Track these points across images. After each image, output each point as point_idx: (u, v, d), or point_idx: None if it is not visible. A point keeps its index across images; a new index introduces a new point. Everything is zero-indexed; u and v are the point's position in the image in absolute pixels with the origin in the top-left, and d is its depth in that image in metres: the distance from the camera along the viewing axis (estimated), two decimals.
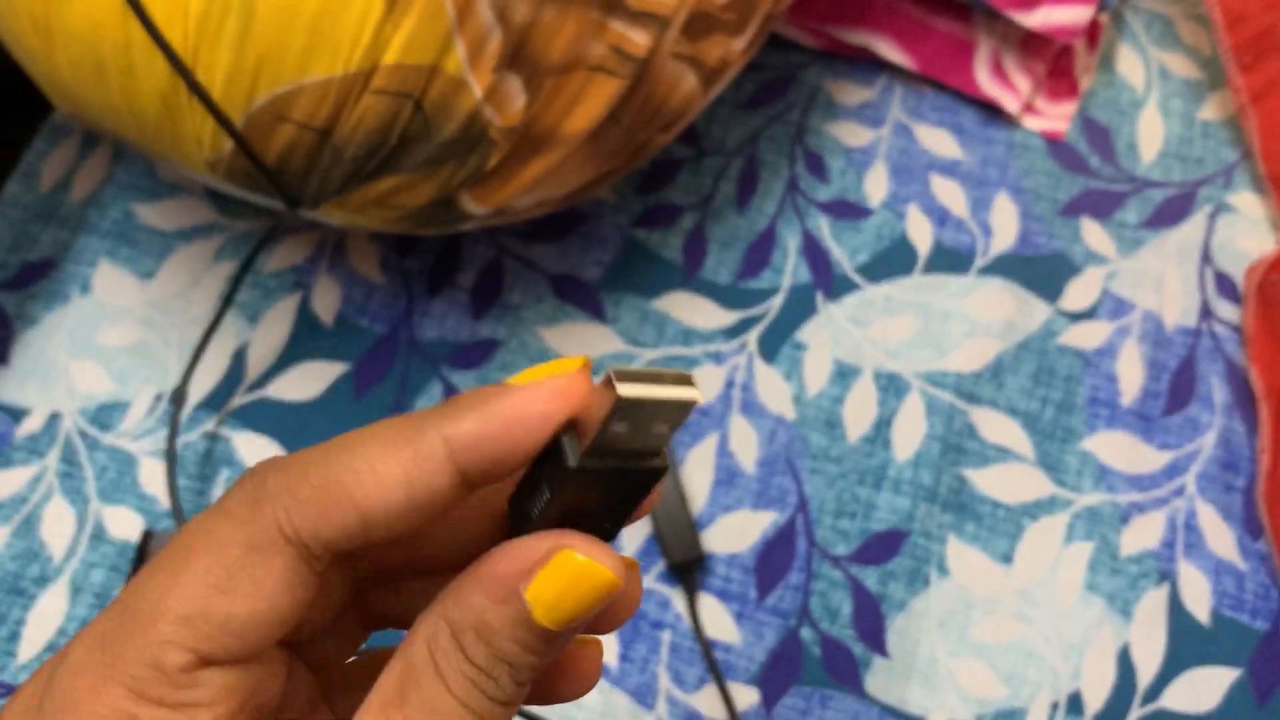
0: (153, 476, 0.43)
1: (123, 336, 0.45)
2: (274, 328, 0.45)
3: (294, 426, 0.44)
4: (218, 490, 0.43)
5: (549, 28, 0.33)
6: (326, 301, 0.46)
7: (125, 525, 0.42)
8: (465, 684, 0.18)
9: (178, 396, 0.41)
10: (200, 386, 0.44)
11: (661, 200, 0.48)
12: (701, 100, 0.40)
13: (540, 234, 0.47)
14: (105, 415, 0.44)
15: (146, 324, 0.45)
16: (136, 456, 0.43)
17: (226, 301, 0.41)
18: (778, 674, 0.41)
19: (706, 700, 0.40)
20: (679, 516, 0.41)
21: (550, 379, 0.18)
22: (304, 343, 0.45)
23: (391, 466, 0.18)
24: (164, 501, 0.42)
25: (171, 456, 0.40)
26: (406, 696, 0.18)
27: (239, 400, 0.44)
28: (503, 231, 0.47)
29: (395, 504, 0.18)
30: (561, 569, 0.18)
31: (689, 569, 0.41)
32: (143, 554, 0.40)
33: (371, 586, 0.23)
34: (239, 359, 0.45)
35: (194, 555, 0.18)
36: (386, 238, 0.46)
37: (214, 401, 0.44)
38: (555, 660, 0.21)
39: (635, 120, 0.38)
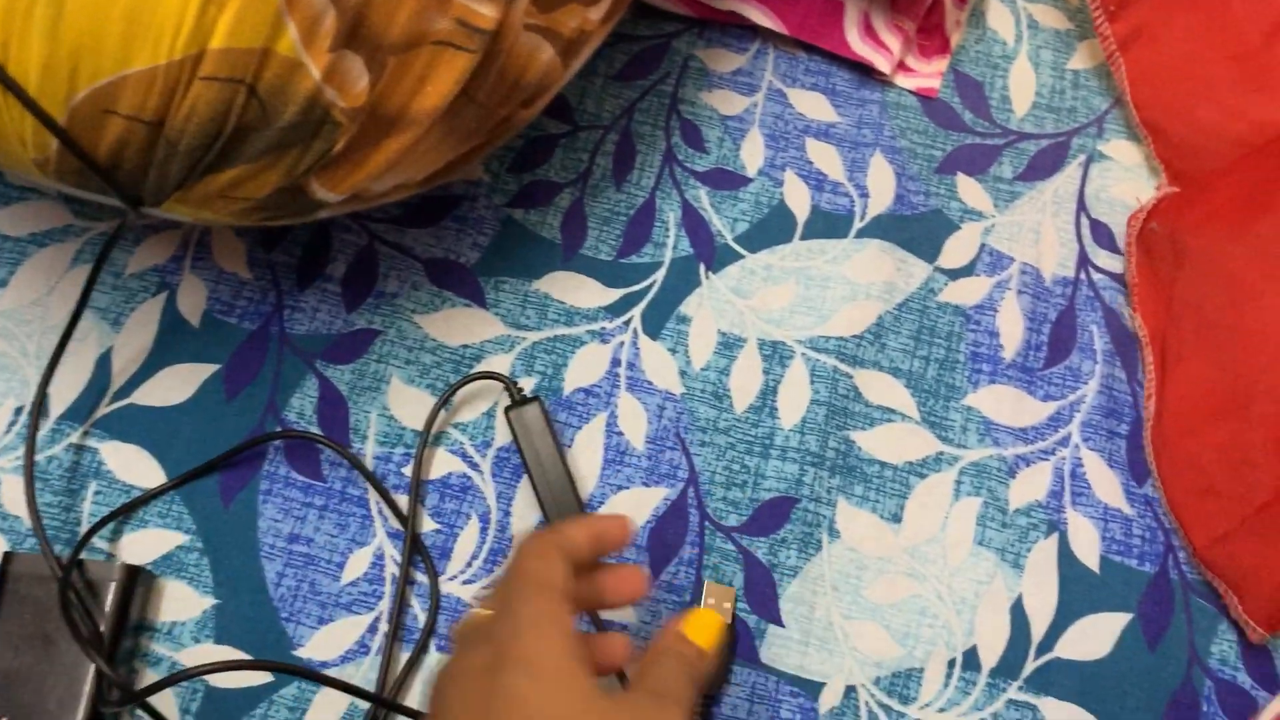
0: (14, 495, 0.41)
1: None
2: (138, 331, 0.43)
3: (164, 433, 0.42)
4: (86, 505, 0.41)
5: (387, 3, 0.32)
6: (192, 301, 0.44)
7: None
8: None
9: (35, 409, 0.39)
10: (63, 397, 0.42)
11: (537, 178, 0.47)
12: (562, 73, 0.39)
13: (413, 219, 0.46)
14: None
15: (1, 335, 0.43)
16: None
17: (79, 307, 0.39)
18: None
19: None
20: (566, 501, 0.41)
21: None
22: (171, 345, 0.43)
23: None
24: (27, 521, 0.41)
25: (29, 472, 0.38)
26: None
27: (105, 409, 0.42)
28: (373, 218, 0.46)
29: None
30: (700, 618, 0.33)
31: None
32: (4, 576, 0.38)
33: None
34: (103, 365, 0.43)
35: None
36: (252, 231, 0.45)
37: (78, 412, 0.42)
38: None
39: (491, 96, 0.37)
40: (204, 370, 0.43)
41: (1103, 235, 0.46)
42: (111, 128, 0.32)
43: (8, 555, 0.38)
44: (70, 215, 0.45)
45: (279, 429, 0.42)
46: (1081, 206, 0.47)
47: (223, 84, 0.31)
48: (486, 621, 0.30)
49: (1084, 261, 0.46)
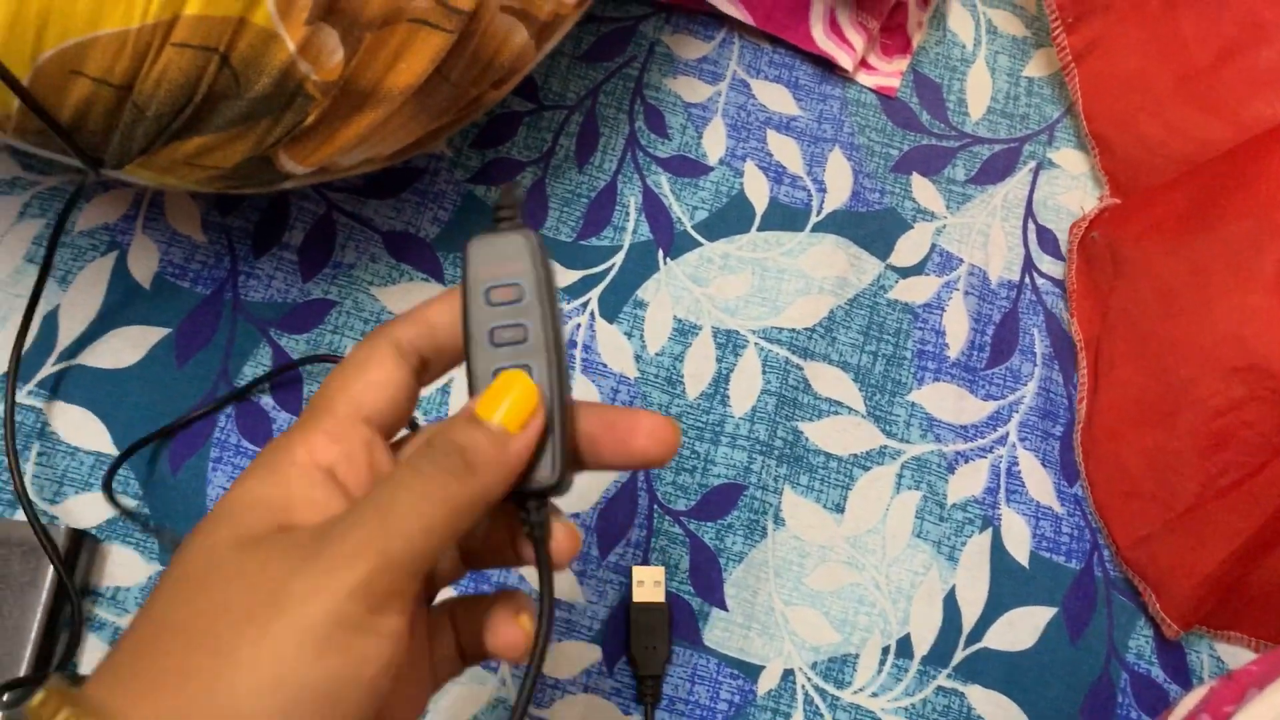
0: None
1: None
2: (86, 291, 0.43)
3: (111, 396, 0.41)
4: (29, 466, 0.40)
5: None
6: (143, 262, 0.43)
7: None
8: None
9: (13, 371, 0.38)
10: (4, 356, 0.42)
11: (500, 156, 0.47)
12: (534, 54, 0.39)
13: (373, 190, 0.45)
14: None
15: None
16: None
17: (44, 271, 0.38)
18: (619, 631, 0.41)
19: (551, 661, 0.40)
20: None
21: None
22: (120, 307, 0.43)
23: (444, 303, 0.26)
24: None
25: (10, 427, 0.38)
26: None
27: (49, 369, 0.42)
28: (333, 188, 0.45)
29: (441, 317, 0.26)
30: (501, 385, 0.25)
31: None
32: None
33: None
34: (49, 324, 0.42)
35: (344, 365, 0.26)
36: (208, 195, 0.44)
37: (23, 372, 0.41)
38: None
39: (464, 76, 0.37)
40: (154, 334, 0.42)
41: (1048, 241, 0.48)
42: (77, 89, 0.31)
43: None
44: (18, 168, 0.44)
45: (230, 396, 0.42)
46: (1029, 212, 0.48)
47: (195, 51, 0.31)
48: None
49: (1029, 266, 0.47)
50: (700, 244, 0.46)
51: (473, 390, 0.25)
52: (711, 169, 0.47)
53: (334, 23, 0.32)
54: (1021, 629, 0.42)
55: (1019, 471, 0.44)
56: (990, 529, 0.43)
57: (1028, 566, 0.43)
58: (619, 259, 0.45)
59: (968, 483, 0.44)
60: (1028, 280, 0.47)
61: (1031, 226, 0.48)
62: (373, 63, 0.34)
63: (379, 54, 0.34)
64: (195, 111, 0.32)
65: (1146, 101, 0.47)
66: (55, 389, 0.41)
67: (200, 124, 0.33)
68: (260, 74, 0.32)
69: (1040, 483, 0.44)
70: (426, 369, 0.27)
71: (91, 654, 0.39)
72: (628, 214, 0.46)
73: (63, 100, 0.31)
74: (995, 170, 0.48)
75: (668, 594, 0.41)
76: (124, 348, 0.42)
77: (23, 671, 0.36)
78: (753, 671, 0.41)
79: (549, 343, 0.25)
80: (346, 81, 0.34)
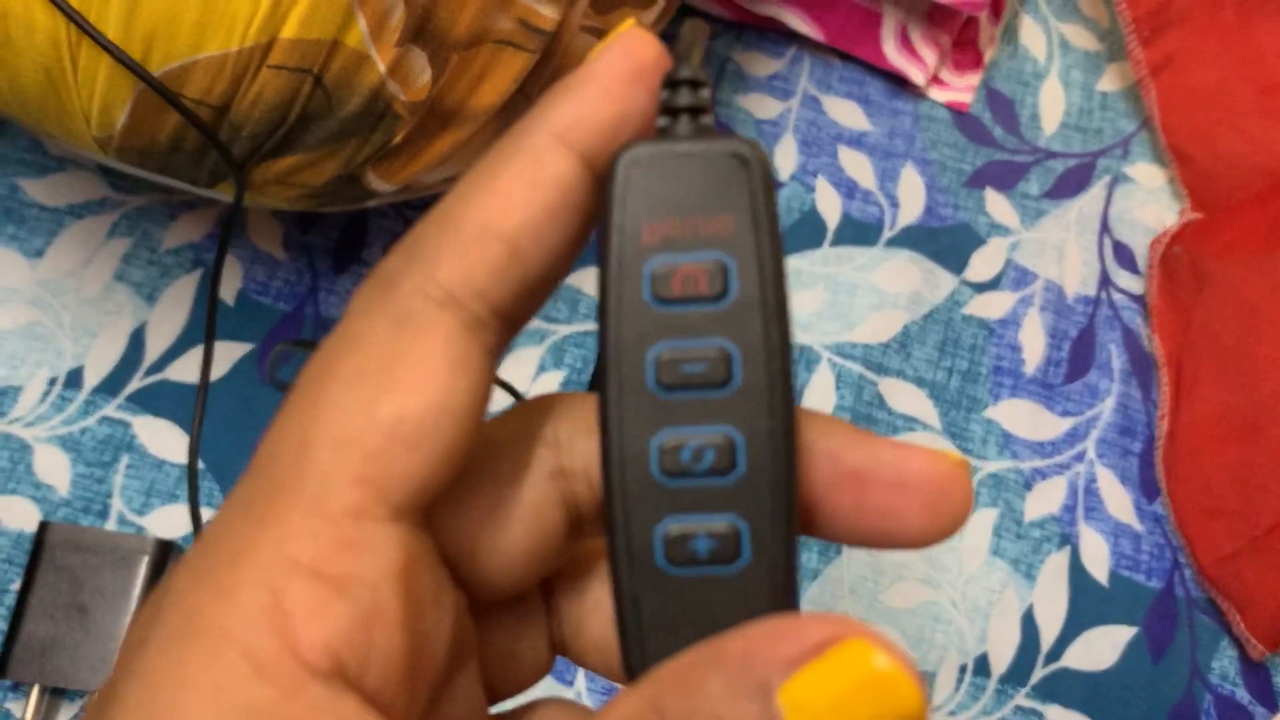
0: (48, 464, 0.41)
1: (12, 319, 0.43)
2: (173, 307, 0.44)
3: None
4: (118, 478, 0.41)
5: (453, 1, 0.33)
6: (228, 280, 0.44)
7: (20, 515, 0.41)
8: None
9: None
10: (97, 370, 0.43)
11: None
12: None
13: None
14: None
15: (37, 305, 0.43)
16: (30, 444, 0.41)
17: (212, 299, 0.39)
18: None
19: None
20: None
21: (617, 38, 0.16)
22: (205, 322, 0.44)
23: (507, 179, 0.15)
24: (61, 490, 0.41)
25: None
26: None
27: (137, 383, 0.43)
28: (410, 206, 0.46)
29: (530, 210, 0.15)
30: (843, 670, 0.13)
31: None
32: (40, 545, 0.38)
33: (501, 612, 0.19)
34: (136, 340, 0.43)
35: (331, 368, 0.15)
36: (288, 214, 0.45)
37: (111, 385, 0.42)
38: None
39: (544, 94, 0.38)
40: (238, 349, 0.43)
41: (1124, 256, 0.47)
42: (186, 107, 0.32)
43: (43, 524, 0.38)
44: (107, 188, 0.45)
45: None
46: (1105, 227, 0.48)
47: (290, 73, 0.32)
48: None
49: (1105, 281, 0.47)
50: None
51: (611, 531, 0.15)
52: (782, 184, 0.47)
53: (422, 44, 0.33)
54: (1101, 648, 0.42)
55: (1097, 489, 0.44)
56: (1068, 547, 0.43)
57: (1107, 585, 0.43)
58: None
59: (1045, 500, 0.43)
60: (1104, 295, 0.46)
61: (1107, 241, 0.47)
62: (458, 83, 0.34)
63: (464, 74, 0.34)
64: (289, 131, 0.33)
65: (1226, 115, 0.46)
66: (143, 403, 0.42)
67: (293, 143, 0.34)
68: (351, 94, 0.33)
69: (1119, 500, 0.44)
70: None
71: None
72: None
73: (163, 122, 0.32)
74: (1070, 185, 0.48)
75: None
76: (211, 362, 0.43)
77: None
78: None
79: (779, 401, 0.14)
80: (433, 101, 0.34)
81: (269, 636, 0.13)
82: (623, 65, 0.16)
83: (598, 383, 0.15)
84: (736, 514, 0.15)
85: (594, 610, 0.18)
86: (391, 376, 0.14)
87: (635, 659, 0.15)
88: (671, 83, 0.16)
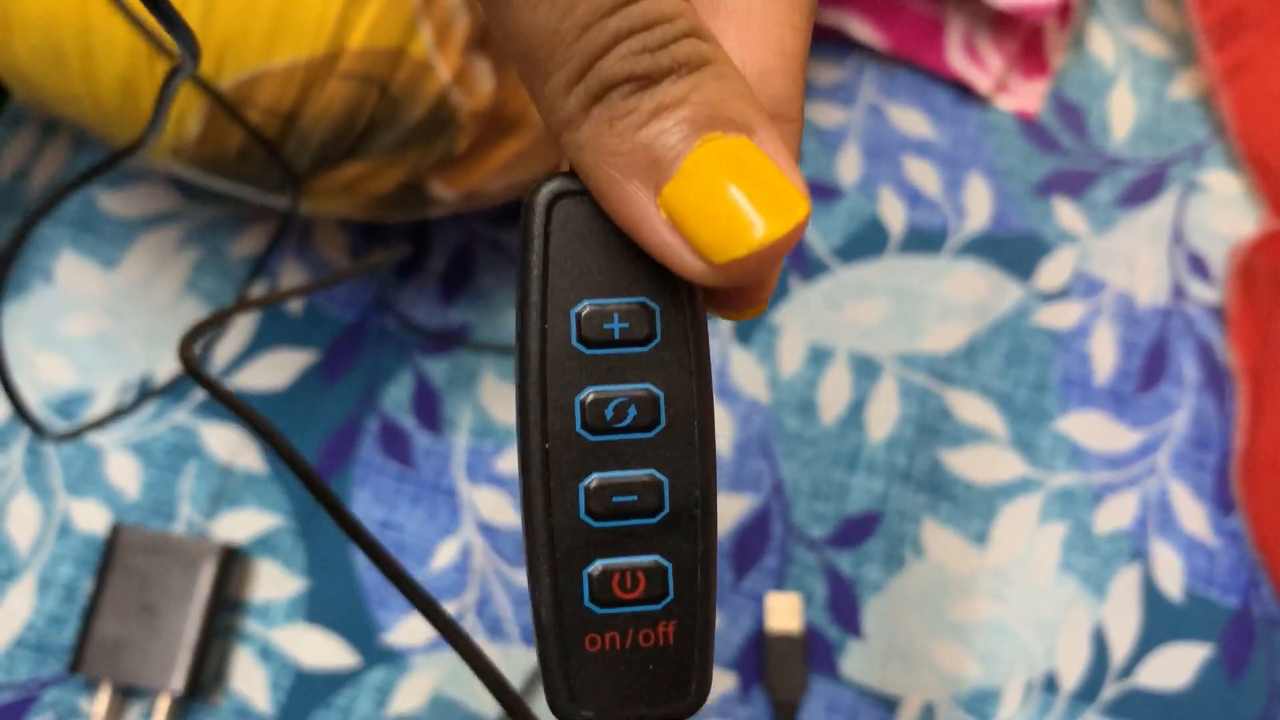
0: (120, 469, 0.42)
1: (87, 326, 0.44)
2: (241, 315, 0.44)
3: (264, 416, 0.43)
4: (186, 483, 0.42)
5: None
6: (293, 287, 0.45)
7: (93, 519, 0.41)
8: None
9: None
10: (167, 376, 0.44)
11: None
12: None
13: (510, 218, 0.46)
14: (70, 407, 0.43)
15: (111, 313, 0.44)
16: (103, 448, 0.42)
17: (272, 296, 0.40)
18: (754, 658, 0.41)
19: None
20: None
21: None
22: (272, 331, 0.44)
23: None
24: (131, 494, 0.42)
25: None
26: None
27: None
28: (473, 216, 0.46)
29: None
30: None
31: None
32: (111, 548, 0.39)
33: None
34: (206, 348, 0.44)
35: None
36: (353, 224, 0.46)
37: (181, 392, 0.43)
38: None
39: None
40: (304, 357, 0.44)
41: (1198, 266, 0.46)
42: (247, 120, 0.33)
43: (116, 527, 0.39)
44: (179, 200, 0.46)
45: (374, 419, 0.43)
46: (1177, 236, 0.46)
47: (357, 82, 0.32)
48: None
49: (1178, 292, 0.46)
50: (833, 269, 0.46)
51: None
52: (845, 193, 0.47)
53: (486, 54, 0.33)
54: (1175, 666, 0.41)
55: (1170, 502, 0.43)
56: (1140, 561, 0.42)
57: (1181, 602, 0.41)
58: None
59: (1116, 514, 0.42)
60: (1176, 306, 0.45)
61: (1180, 250, 0.46)
62: (521, 92, 0.35)
63: None
64: (355, 139, 0.34)
65: None
66: (211, 410, 0.43)
67: (358, 151, 0.34)
68: (416, 103, 0.33)
69: (1193, 514, 0.42)
70: None
71: (241, 664, 0.40)
72: None
73: (234, 131, 0.33)
74: (1140, 193, 0.47)
75: (804, 622, 0.41)
76: (275, 370, 0.44)
77: (179, 681, 0.38)
78: (891, 704, 0.40)
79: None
80: (496, 110, 0.35)
81: None
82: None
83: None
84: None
85: None
86: None
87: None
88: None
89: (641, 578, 0.16)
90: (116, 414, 0.41)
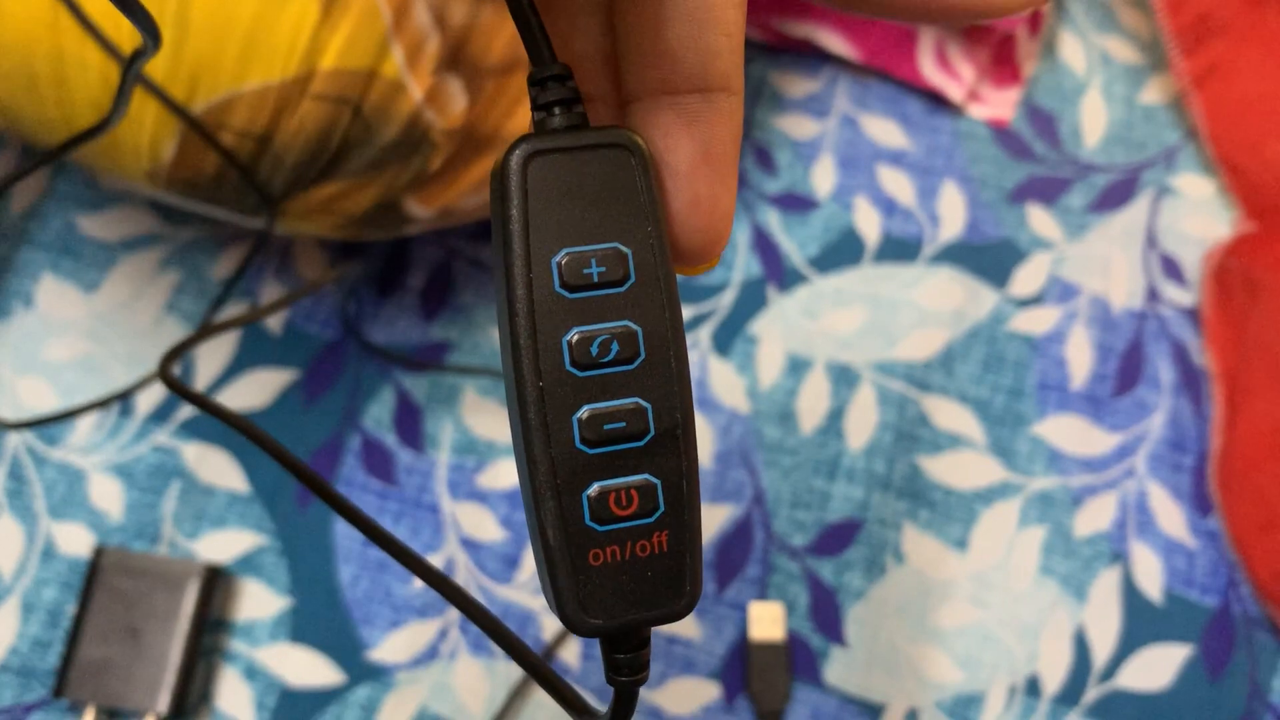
0: (103, 491, 0.42)
1: (68, 350, 0.44)
2: (220, 336, 0.45)
3: (244, 436, 0.43)
4: (169, 503, 0.42)
5: (488, 29, 0.33)
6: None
7: (76, 541, 0.42)
8: None
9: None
10: (149, 398, 0.44)
11: None
12: None
13: (489, 234, 0.47)
14: (52, 430, 0.43)
15: (92, 337, 0.44)
16: (86, 471, 0.42)
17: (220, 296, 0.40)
18: (738, 668, 0.41)
19: (670, 696, 0.40)
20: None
21: None
22: (251, 350, 0.44)
23: None
24: (115, 516, 0.42)
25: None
26: None
27: (188, 411, 0.44)
28: (452, 233, 0.47)
29: None
30: None
31: None
32: (95, 570, 0.39)
33: None
34: (186, 368, 0.44)
35: None
36: (333, 242, 0.46)
37: (162, 413, 0.43)
38: None
39: None
40: (284, 376, 0.44)
41: (1172, 269, 0.46)
42: (221, 142, 0.33)
43: (99, 550, 0.39)
44: (158, 222, 0.46)
45: (356, 437, 0.43)
46: (1150, 240, 0.47)
47: (330, 103, 0.32)
48: None
49: (1152, 295, 0.46)
50: (810, 279, 0.46)
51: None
52: (820, 204, 0.47)
53: (458, 72, 0.34)
54: (1156, 668, 0.41)
55: (1148, 505, 0.43)
56: (1119, 563, 0.42)
57: (1161, 603, 0.42)
58: (729, 295, 0.46)
59: (1095, 517, 0.43)
60: (1151, 309, 0.46)
61: (1153, 253, 0.47)
62: (494, 109, 0.35)
63: (499, 101, 0.35)
64: (329, 160, 0.34)
65: (1274, 125, 0.46)
66: (193, 430, 0.43)
67: (333, 172, 0.34)
68: (389, 122, 0.33)
69: (1171, 516, 0.43)
70: None
71: (226, 684, 0.40)
72: (737, 250, 0.47)
73: (208, 154, 0.33)
74: (1113, 198, 0.47)
75: (786, 631, 0.41)
76: (255, 390, 0.44)
77: (164, 703, 0.38)
78: (875, 711, 0.40)
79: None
80: (469, 128, 0.35)
81: None
82: None
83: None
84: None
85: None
86: None
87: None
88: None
89: (635, 495, 0.17)
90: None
